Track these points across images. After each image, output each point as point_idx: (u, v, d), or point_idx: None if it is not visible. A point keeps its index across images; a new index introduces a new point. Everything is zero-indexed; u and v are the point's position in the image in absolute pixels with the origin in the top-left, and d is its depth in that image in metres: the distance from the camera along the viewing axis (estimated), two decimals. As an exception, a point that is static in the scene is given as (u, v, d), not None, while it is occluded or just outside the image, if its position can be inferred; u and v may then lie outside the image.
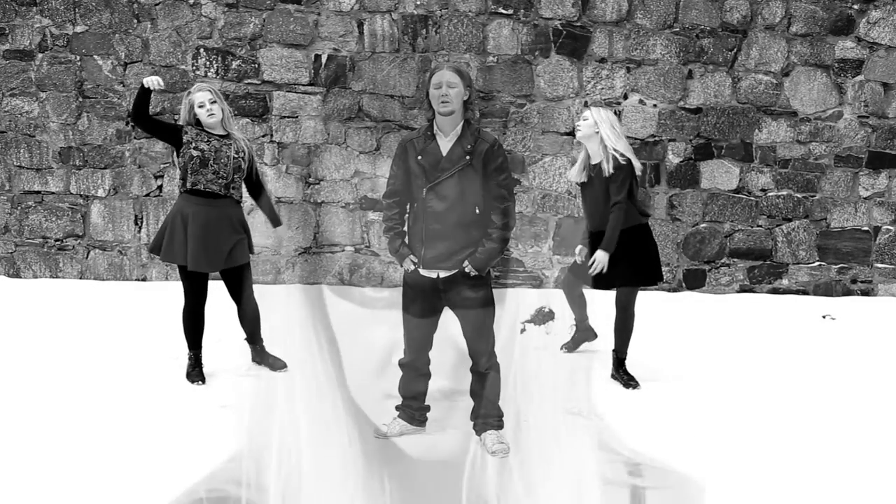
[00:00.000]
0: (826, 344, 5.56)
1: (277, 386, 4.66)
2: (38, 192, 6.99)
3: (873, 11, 6.65)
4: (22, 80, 6.86)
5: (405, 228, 3.77)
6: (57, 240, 7.03)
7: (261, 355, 4.91)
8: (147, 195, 6.94)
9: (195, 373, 4.61)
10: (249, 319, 4.84)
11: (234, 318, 4.95)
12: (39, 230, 7.01)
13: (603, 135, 4.67)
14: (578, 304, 5.17)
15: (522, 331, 5.61)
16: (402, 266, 3.76)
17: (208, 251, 4.51)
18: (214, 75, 6.78)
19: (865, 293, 6.90)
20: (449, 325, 3.92)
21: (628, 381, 4.80)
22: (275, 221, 4.92)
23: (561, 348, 5.23)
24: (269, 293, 5.31)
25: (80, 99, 6.85)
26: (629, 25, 6.68)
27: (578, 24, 6.67)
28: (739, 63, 6.71)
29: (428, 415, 4.00)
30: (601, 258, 4.59)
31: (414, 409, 3.94)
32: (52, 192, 6.97)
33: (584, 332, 5.23)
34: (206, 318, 4.69)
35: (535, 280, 6.94)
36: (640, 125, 6.76)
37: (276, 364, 4.87)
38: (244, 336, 4.94)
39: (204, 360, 4.72)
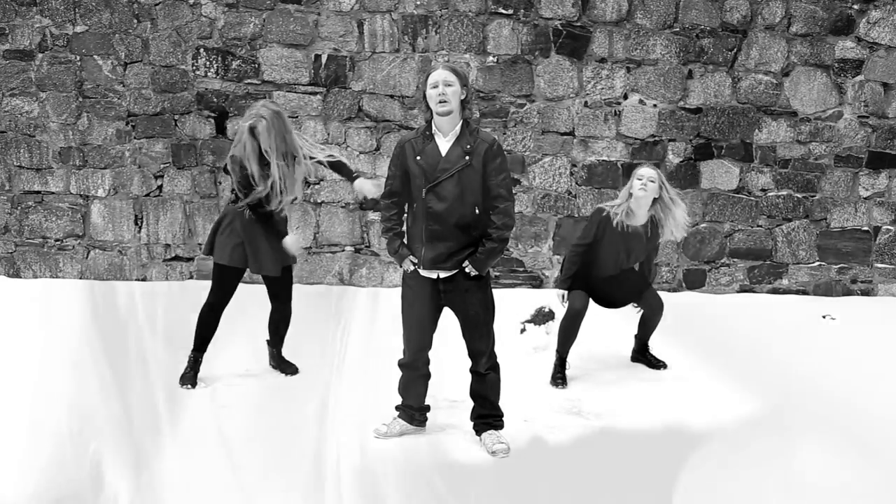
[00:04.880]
0: (826, 344, 5.56)
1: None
2: (38, 192, 6.99)
3: (873, 11, 6.65)
4: (22, 80, 6.86)
5: (404, 229, 3.78)
6: (57, 240, 7.03)
7: (277, 359, 4.92)
8: (147, 195, 6.94)
9: (189, 375, 4.60)
10: (284, 323, 4.88)
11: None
12: (39, 230, 7.01)
13: (666, 200, 4.82)
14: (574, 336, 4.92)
15: (522, 331, 5.62)
16: (401, 267, 3.76)
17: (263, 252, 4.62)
18: (214, 75, 6.78)
19: (865, 293, 6.90)
20: (449, 326, 3.92)
21: (657, 362, 5.01)
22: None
23: (552, 383, 4.81)
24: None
25: (80, 99, 6.85)
26: (629, 25, 6.67)
27: (578, 24, 6.67)
28: (739, 63, 6.70)
29: (428, 415, 4.00)
30: None
31: (414, 409, 3.95)
32: (52, 192, 6.97)
33: (564, 366, 4.89)
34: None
35: (535, 280, 6.93)
36: (640, 125, 6.76)
37: (288, 369, 4.88)
38: (267, 337, 4.96)
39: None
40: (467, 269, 3.64)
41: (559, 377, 4.79)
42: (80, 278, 7.03)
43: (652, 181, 4.75)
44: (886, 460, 3.67)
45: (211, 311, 4.63)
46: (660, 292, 6.76)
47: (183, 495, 3.28)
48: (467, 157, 3.58)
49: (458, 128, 3.62)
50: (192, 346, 4.64)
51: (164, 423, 4.01)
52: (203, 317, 4.62)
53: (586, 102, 6.72)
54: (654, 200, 4.80)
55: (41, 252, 7.03)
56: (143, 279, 7.01)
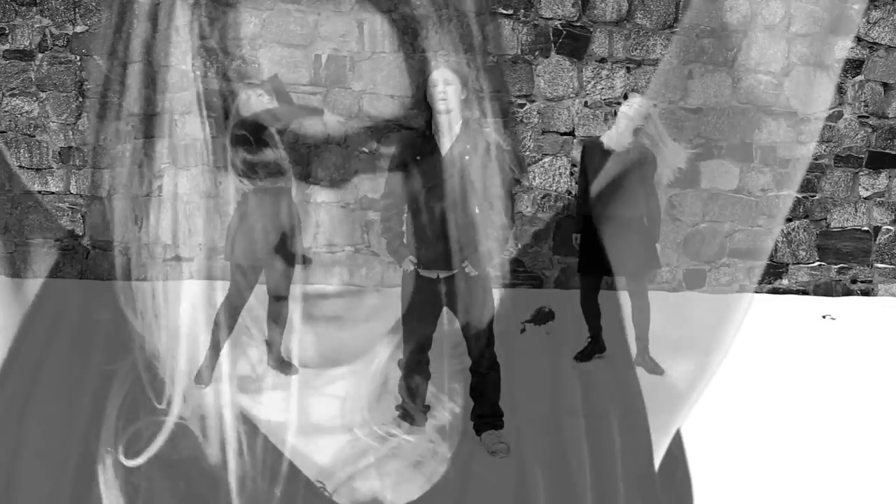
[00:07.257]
0: (826, 344, 5.56)
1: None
2: (39, 192, 6.99)
3: (873, 11, 6.64)
4: (22, 80, 6.86)
5: (403, 229, 3.78)
6: (57, 240, 7.03)
7: (275, 359, 4.90)
8: (147, 195, 6.94)
9: (206, 374, 4.53)
10: (282, 321, 4.84)
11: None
12: (39, 230, 7.01)
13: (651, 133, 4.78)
14: (594, 314, 5.10)
15: (522, 331, 5.61)
16: (401, 266, 3.77)
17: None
18: (214, 75, 6.78)
19: (865, 293, 6.90)
20: (448, 325, 3.92)
21: (653, 368, 4.96)
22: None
23: (574, 358, 5.09)
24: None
25: (80, 99, 6.85)
26: (629, 25, 6.67)
27: (578, 24, 6.67)
28: (739, 63, 6.70)
29: (428, 415, 4.00)
30: None
31: (414, 409, 3.94)
32: (52, 192, 6.98)
33: (597, 344, 5.14)
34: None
35: (535, 280, 6.93)
36: (640, 125, 6.75)
37: (287, 369, 4.85)
38: (265, 337, 4.93)
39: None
40: (467, 269, 3.64)
41: (592, 351, 4.98)
42: (80, 278, 7.03)
43: (629, 106, 4.72)
44: (886, 460, 3.67)
45: (231, 308, 4.57)
46: (660, 292, 6.77)
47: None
48: (467, 157, 3.58)
49: (457, 127, 3.62)
50: (210, 346, 4.58)
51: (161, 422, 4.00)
52: (224, 316, 4.57)
53: (586, 102, 6.72)
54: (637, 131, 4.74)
55: (41, 252, 7.03)
56: (144, 279, 7.01)
